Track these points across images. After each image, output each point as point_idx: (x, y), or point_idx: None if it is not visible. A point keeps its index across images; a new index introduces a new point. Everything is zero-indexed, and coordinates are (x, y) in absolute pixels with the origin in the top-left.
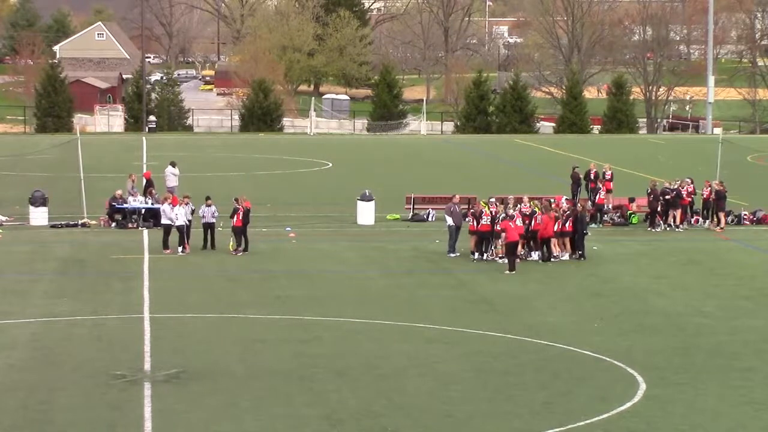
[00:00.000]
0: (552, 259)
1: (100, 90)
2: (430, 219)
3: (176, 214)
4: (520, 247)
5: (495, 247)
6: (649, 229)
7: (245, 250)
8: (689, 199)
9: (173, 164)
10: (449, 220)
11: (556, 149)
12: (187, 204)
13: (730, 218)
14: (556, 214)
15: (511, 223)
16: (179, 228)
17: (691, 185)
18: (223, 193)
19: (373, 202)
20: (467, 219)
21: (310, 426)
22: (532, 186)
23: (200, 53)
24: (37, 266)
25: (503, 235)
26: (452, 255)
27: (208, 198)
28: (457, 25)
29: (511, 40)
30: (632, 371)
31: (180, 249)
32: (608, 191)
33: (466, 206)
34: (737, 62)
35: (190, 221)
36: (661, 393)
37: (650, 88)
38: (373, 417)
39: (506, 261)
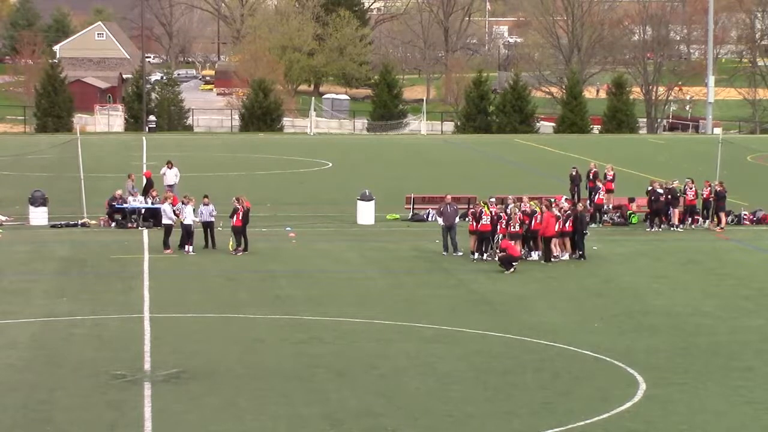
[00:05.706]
0: (552, 259)
1: (100, 90)
2: (430, 219)
3: (185, 213)
4: (519, 247)
5: (492, 247)
6: (648, 229)
7: (245, 250)
8: (695, 199)
9: (170, 164)
10: (439, 220)
11: (556, 149)
12: (187, 203)
13: (730, 218)
14: (558, 214)
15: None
16: (186, 227)
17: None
18: (223, 193)
19: (373, 202)
20: (467, 219)
21: (310, 426)
22: (532, 186)
23: (200, 53)
24: (37, 266)
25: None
26: (445, 254)
27: (205, 196)
28: (457, 25)
29: (511, 40)
30: (632, 371)
31: (185, 248)
32: (609, 191)
33: (466, 206)
34: (737, 62)
35: (193, 221)
36: (661, 393)
37: (650, 88)
38: (373, 417)
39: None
